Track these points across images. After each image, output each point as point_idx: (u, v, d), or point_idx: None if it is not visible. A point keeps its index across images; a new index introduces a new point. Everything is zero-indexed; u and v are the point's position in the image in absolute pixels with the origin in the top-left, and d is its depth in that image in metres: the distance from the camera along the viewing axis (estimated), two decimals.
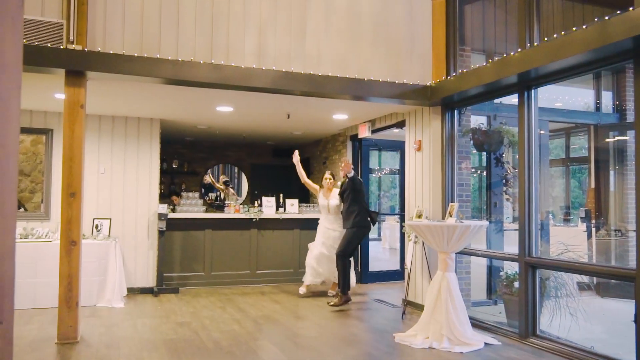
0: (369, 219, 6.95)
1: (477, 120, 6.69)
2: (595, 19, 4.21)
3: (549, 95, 6.93)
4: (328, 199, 7.36)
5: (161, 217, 7.53)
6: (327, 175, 7.47)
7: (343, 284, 6.64)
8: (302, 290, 7.34)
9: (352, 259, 7.01)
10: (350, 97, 6.16)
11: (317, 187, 7.57)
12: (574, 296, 5.61)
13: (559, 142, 9.22)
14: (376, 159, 10.99)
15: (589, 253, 7.00)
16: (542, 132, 6.70)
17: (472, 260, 6.51)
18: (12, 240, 1.30)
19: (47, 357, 4.54)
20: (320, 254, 7.26)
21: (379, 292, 7.96)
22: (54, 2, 5.03)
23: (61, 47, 4.92)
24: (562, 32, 4.57)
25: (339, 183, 7.20)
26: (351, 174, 6.72)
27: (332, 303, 6.53)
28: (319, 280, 7.36)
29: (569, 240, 5.98)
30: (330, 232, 7.32)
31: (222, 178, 11.67)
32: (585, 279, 6.62)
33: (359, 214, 6.81)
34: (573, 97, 7.73)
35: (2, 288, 1.26)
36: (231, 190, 11.38)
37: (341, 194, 7.07)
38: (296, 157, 7.42)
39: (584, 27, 4.29)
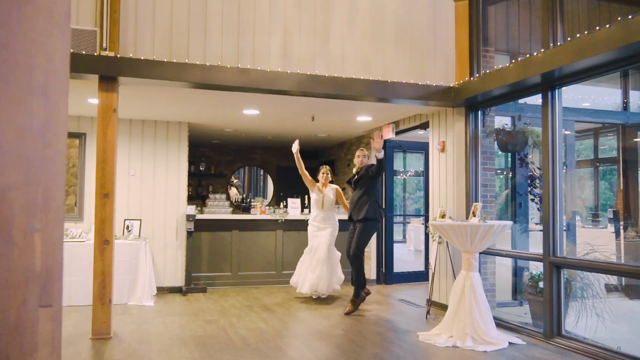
0: (380, 211, 6.60)
1: (501, 121, 6.68)
2: (619, 18, 4.20)
3: (574, 95, 6.87)
4: (323, 193, 7.14)
5: (189, 218, 7.71)
6: (324, 169, 7.29)
7: (357, 284, 6.42)
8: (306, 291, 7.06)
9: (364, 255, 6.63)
10: (374, 99, 6.21)
11: (312, 180, 7.24)
12: (600, 297, 5.56)
13: (588, 143, 9.10)
14: (401, 161, 11.00)
15: (616, 254, 6.91)
16: (567, 132, 6.66)
17: (497, 261, 6.50)
18: (60, 231, 1.41)
19: (83, 351, 4.73)
20: (317, 261, 7.00)
21: (404, 292, 8.00)
22: (88, 11, 5.25)
23: (95, 53, 5.12)
24: (586, 32, 4.57)
25: (355, 171, 6.71)
26: (381, 154, 6.08)
27: (346, 311, 6.36)
28: (316, 289, 7.01)
29: (596, 241, 5.92)
30: (319, 232, 7.11)
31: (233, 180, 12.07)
32: (613, 280, 6.54)
33: (372, 205, 6.43)
34: (600, 96, 7.64)
35: (52, 274, 1.38)
36: (234, 189, 11.82)
37: (355, 181, 6.56)
38: (296, 146, 6.98)
39: (608, 26, 4.29)
